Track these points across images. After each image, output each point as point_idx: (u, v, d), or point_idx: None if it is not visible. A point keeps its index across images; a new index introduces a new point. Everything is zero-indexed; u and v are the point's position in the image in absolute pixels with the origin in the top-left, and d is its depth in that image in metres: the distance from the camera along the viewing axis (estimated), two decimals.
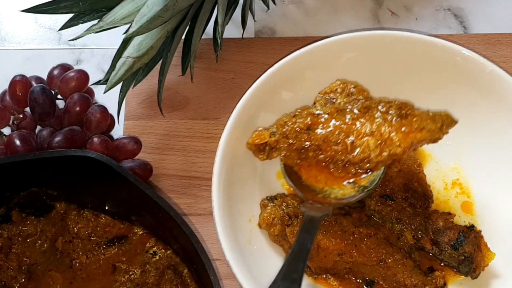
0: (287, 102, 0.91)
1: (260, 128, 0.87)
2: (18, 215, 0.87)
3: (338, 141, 0.83)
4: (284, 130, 0.84)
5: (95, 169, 0.80)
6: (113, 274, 0.86)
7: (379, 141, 0.81)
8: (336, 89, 0.90)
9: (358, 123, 0.83)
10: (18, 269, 0.86)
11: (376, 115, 0.83)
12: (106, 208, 0.88)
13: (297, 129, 0.84)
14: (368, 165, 0.82)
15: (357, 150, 0.82)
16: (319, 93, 0.90)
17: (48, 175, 0.83)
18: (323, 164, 0.84)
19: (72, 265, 0.87)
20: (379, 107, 0.84)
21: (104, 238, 0.88)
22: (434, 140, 0.83)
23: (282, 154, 0.85)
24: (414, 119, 0.82)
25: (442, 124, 0.82)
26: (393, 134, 0.81)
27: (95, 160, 0.79)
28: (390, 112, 0.83)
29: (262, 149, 0.85)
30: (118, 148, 0.90)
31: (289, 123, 0.84)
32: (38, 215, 0.88)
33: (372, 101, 0.86)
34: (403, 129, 0.81)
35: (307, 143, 0.84)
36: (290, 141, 0.84)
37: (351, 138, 0.82)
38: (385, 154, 0.81)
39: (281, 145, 0.84)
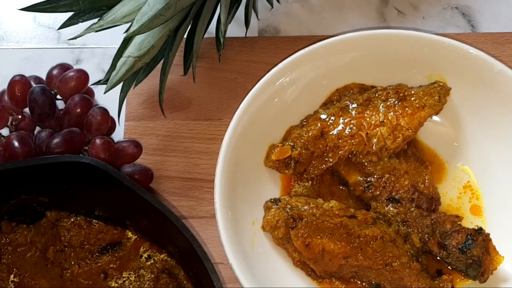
0: (291, 102, 0.92)
1: (278, 144, 0.89)
2: (8, 225, 0.87)
3: (352, 135, 0.87)
4: (302, 141, 0.86)
5: (90, 174, 0.80)
6: (105, 280, 0.86)
7: (391, 129, 0.88)
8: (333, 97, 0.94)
9: (365, 115, 0.88)
10: (8, 280, 0.85)
11: (378, 105, 0.87)
12: (98, 213, 0.87)
13: (312, 137, 0.86)
14: (387, 152, 0.88)
15: (374, 140, 0.87)
16: (319, 108, 0.93)
17: (40, 182, 0.83)
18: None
19: (62, 275, 0.86)
20: (378, 95, 0.91)
21: (97, 245, 0.87)
22: (437, 112, 0.91)
23: (310, 168, 0.89)
24: (413, 98, 0.90)
25: (439, 95, 0.90)
26: (400, 119, 0.88)
27: (90, 166, 0.79)
28: (390, 99, 0.90)
29: (288, 164, 0.87)
30: (118, 152, 0.90)
31: (304, 134, 0.87)
32: (28, 223, 0.87)
33: (369, 92, 0.90)
34: (406, 109, 0.89)
35: (326, 147, 0.88)
36: (311, 150, 0.87)
37: (364, 130, 0.88)
38: (399, 139, 0.88)
39: (304, 157, 0.86)
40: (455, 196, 0.92)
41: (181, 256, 0.83)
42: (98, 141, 0.88)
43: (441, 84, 0.91)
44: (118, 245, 0.87)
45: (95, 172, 0.79)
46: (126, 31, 0.85)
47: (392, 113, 0.88)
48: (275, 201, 0.87)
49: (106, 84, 0.84)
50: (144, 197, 0.78)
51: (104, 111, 0.90)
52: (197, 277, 0.81)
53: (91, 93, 0.95)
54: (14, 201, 0.85)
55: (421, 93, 0.90)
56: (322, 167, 0.89)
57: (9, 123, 0.92)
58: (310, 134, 0.88)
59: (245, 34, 1.01)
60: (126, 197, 0.80)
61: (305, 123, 0.91)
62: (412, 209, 0.87)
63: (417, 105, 0.89)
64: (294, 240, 0.83)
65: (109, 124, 0.91)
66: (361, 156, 0.88)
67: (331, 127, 0.88)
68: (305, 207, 0.85)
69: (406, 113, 0.88)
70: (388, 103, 0.89)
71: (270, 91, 0.90)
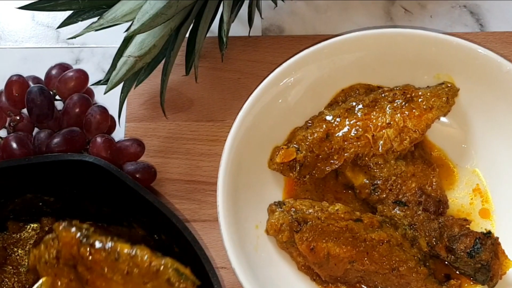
0: (295, 103, 0.92)
1: (283, 146, 0.89)
2: (15, 225, 0.87)
3: (358, 136, 0.88)
4: (307, 144, 0.87)
5: (93, 173, 0.79)
6: None
7: (397, 131, 0.88)
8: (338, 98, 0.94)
9: (372, 117, 0.88)
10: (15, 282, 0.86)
11: (385, 106, 0.88)
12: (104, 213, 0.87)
13: (317, 139, 0.86)
14: (393, 155, 0.88)
15: (380, 142, 0.87)
16: (324, 109, 0.93)
17: (44, 180, 0.82)
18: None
19: None
20: (384, 96, 0.91)
21: None
22: (445, 114, 0.91)
23: (315, 171, 0.89)
24: (420, 99, 0.90)
25: (447, 97, 0.90)
26: (407, 121, 0.88)
27: (93, 164, 0.78)
28: (396, 100, 0.90)
29: (292, 167, 0.87)
30: (121, 151, 0.90)
31: (309, 136, 0.87)
32: (33, 223, 0.88)
33: (376, 92, 0.90)
34: (413, 111, 0.89)
35: (332, 149, 0.88)
36: (316, 153, 0.87)
37: (370, 132, 0.88)
38: (406, 142, 0.88)
39: (309, 160, 0.86)
40: (467, 202, 0.92)
41: (184, 258, 0.83)
42: (99, 139, 0.88)
43: (449, 85, 0.91)
44: None
45: (98, 171, 0.79)
46: (126, 30, 0.85)
47: (399, 114, 0.88)
48: (279, 204, 0.87)
49: (106, 84, 0.84)
50: (146, 197, 0.78)
51: (103, 110, 0.90)
52: (200, 279, 0.81)
53: (90, 93, 0.95)
54: (19, 200, 0.85)
55: (428, 94, 0.90)
56: (327, 170, 0.88)
57: (7, 124, 0.92)
58: (315, 136, 0.88)
59: (249, 33, 1.02)
60: (128, 197, 0.79)
61: (310, 124, 0.91)
62: (419, 212, 0.87)
63: (424, 107, 0.89)
64: (298, 244, 0.83)
65: (109, 123, 0.92)
66: (367, 159, 0.88)
67: (337, 128, 0.88)
68: (310, 210, 0.85)
69: (413, 114, 0.88)
70: (394, 104, 0.89)
71: (274, 91, 0.90)
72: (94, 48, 1.05)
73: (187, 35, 0.91)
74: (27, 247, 0.87)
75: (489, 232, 0.86)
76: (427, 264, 0.85)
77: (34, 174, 0.81)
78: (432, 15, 1.07)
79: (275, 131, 0.91)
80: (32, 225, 0.88)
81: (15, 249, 0.87)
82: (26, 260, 0.86)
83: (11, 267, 0.86)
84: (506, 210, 0.91)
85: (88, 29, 0.81)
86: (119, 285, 0.74)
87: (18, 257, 0.86)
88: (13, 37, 1.07)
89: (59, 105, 0.93)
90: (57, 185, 0.83)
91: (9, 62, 1.04)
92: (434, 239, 0.85)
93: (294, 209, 0.85)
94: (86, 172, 0.80)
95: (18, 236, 0.87)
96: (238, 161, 0.86)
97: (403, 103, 0.89)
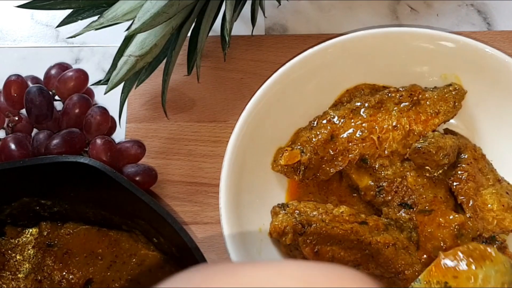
0: (299, 104, 0.91)
1: (287, 148, 0.89)
2: (13, 230, 0.87)
3: (363, 138, 0.88)
4: (312, 146, 0.87)
5: (88, 175, 0.79)
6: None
7: (403, 135, 0.88)
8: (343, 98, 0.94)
9: (377, 118, 0.88)
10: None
11: (391, 108, 0.88)
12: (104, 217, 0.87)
13: (322, 141, 0.87)
14: (399, 157, 0.88)
15: (385, 144, 0.87)
16: (329, 109, 0.93)
17: (40, 183, 0.82)
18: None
19: None
20: (390, 96, 0.90)
21: None
22: (451, 118, 0.91)
23: (319, 173, 0.89)
24: (427, 102, 0.89)
25: (454, 101, 0.90)
26: (413, 125, 0.88)
27: (87, 166, 0.78)
28: (403, 103, 0.90)
29: (297, 169, 0.87)
30: (121, 152, 0.90)
31: (313, 138, 0.87)
32: (31, 227, 0.88)
33: (382, 93, 0.89)
34: (420, 115, 0.89)
35: (336, 151, 0.88)
36: (321, 155, 0.86)
37: (376, 134, 0.88)
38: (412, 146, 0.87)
39: (314, 162, 0.86)
40: None
41: (181, 260, 0.83)
42: (99, 141, 0.87)
43: (457, 88, 0.91)
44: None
45: (93, 173, 0.78)
46: (127, 29, 0.85)
47: (405, 118, 0.88)
48: (283, 206, 0.87)
49: (106, 84, 0.84)
50: (142, 198, 0.77)
51: (104, 111, 0.90)
52: None
53: (90, 93, 0.95)
54: (15, 204, 0.84)
55: (435, 97, 0.89)
56: (332, 171, 0.88)
57: (5, 125, 0.92)
58: (319, 137, 0.88)
59: (252, 33, 1.01)
60: (124, 199, 0.79)
61: (314, 125, 0.90)
62: None
63: (431, 111, 0.88)
64: (302, 247, 0.83)
65: (109, 124, 0.91)
66: (372, 160, 0.88)
67: (341, 130, 0.88)
68: (314, 213, 0.85)
69: (419, 119, 0.88)
70: (401, 106, 0.89)
71: (277, 91, 0.89)
72: (94, 48, 1.05)
73: (189, 34, 0.91)
74: (25, 252, 0.87)
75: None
76: None
77: (29, 176, 0.80)
78: (439, 13, 1.07)
79: (278, 132, 0.91)
80: (30, 230, 0.87)
81: (13, 255, 0.87)
82: (25, 266, 0.86)
83: (9, 273, 0.86)
84: None
85: (88, 28, 0.81)
86: None
87: (16, 263, 0.86)
88: (11, 36, 1.07)
89: (58, 105, 0.93)
90: (53, 188, 0.83)
91: (7, 62, 1.04)
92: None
93: (298, 211, 0.85)
94: (81, 174, 0.79)
95: (16, 241, 0.87)
96: (241, 162, 0.86)
97: (410, 105, 0.89)
